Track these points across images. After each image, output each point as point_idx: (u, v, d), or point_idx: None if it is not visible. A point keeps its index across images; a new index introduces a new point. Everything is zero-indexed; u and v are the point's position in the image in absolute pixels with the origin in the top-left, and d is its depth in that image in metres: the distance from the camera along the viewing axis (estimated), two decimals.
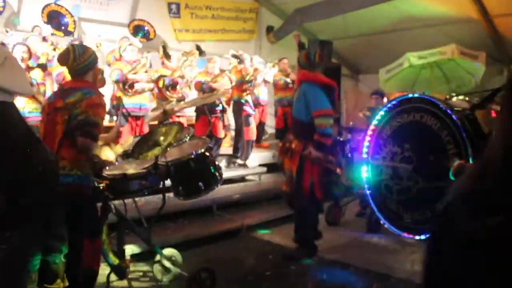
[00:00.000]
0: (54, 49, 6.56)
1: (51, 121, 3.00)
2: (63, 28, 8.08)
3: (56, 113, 2.97)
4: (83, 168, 3.01)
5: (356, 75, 13.45)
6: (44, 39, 7.32)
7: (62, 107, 2.95)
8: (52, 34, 7.76)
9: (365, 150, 2.51)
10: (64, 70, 5.84)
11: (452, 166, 1.88)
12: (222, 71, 7.62)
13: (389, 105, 2.37)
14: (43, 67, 6.34)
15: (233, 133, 8.30)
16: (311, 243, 4.75)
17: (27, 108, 5.53)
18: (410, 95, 2.23)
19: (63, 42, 7.26)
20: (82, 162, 3.01)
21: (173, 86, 6.85)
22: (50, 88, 6.63)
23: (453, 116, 2.02)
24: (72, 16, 8.23)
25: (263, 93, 8.68)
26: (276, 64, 8.78)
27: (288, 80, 8.78)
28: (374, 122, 2.49)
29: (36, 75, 5.77)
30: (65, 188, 2.86)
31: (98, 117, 3.00)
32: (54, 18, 8.03)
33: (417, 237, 2.24)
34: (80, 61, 3.05)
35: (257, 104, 8.41)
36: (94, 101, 2.97)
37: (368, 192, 2.44)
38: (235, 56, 8.20)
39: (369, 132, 2.50)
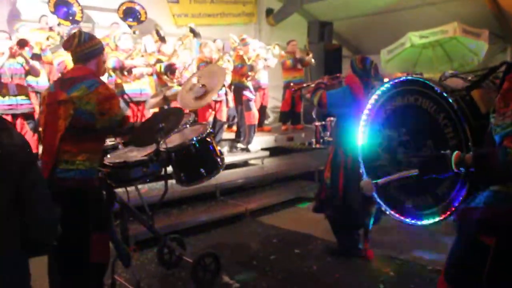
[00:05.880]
0: (47, 39, 6.50)
1: (52, 113, 2.88)
2: (70, 18, 7.99)
3: (59, 106, 2.84)
4: (87, 160, 2.89)
5: None
6: (51, 29, 7.27)
7: (66, 100, 2.82)
8: (59, 25, 7.70)
9: (360, 136, 2.49)
10: (66, 58, 5.83)
11: (452, 157, 1.85)
12: (224, 53, 7.54)
13: (381, 88, 2.34)
14: (37, 57, 6.31)
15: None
16: (352, 247, 4.56)
17: (20, 97, 5.53)
18: (403, 78, 2.20)
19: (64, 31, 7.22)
20: (88, 154, 2.89)
21: (171, 71, 6.81)
22: (47, 77, 6.64)
23: (449, 98, 1.99)
24: (79, 4, 8.13)
25: (264, 76, 8.55)
26: (277, 45, 8.70)
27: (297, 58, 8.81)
28: (368, 107, 2.46)
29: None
30: (65, 183, 2.81)
31: (118, 110, 2.94)
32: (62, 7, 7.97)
33: (419, 223, 2.24)
34: (85, 47, 2.97)
35: (257, 87, 8.34)
36: (103, 95, 2.85)
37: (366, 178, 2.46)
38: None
39: (364, 117, 2.48)
